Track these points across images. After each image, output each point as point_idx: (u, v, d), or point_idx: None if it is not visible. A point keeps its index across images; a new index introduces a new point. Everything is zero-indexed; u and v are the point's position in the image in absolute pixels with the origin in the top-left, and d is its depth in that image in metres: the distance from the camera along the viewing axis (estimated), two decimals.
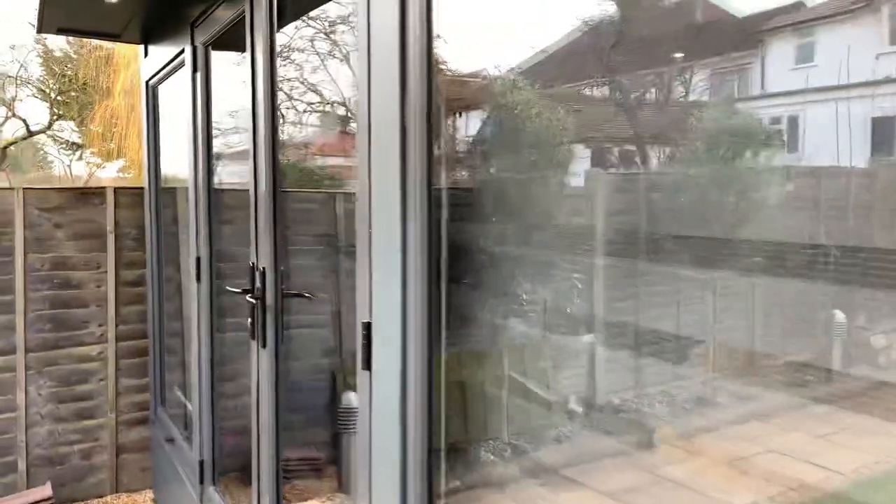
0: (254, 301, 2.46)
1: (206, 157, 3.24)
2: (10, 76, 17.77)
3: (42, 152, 22.06)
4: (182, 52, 3.53)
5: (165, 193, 4.61)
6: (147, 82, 4.44)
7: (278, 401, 2.55)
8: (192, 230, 3.37)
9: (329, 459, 4.46)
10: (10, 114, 17.99)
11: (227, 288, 2.62)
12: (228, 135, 3.45)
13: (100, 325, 4.72)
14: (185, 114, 3.47)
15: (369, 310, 1.72)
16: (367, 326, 1.71)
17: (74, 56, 17.91)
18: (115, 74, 16.05)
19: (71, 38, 17.80)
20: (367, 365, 1.71)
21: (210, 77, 3.27)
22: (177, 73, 3.81)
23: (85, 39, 17.53)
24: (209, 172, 3.25)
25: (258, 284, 2.51)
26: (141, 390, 4.86)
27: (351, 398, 4.21)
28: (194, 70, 3.30)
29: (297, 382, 4.69)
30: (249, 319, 2.56)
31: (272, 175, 2.44)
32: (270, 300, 2.45)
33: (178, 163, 5.38)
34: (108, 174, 18.73)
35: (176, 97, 4.36)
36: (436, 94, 1.54)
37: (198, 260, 3.34)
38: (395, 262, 1.58)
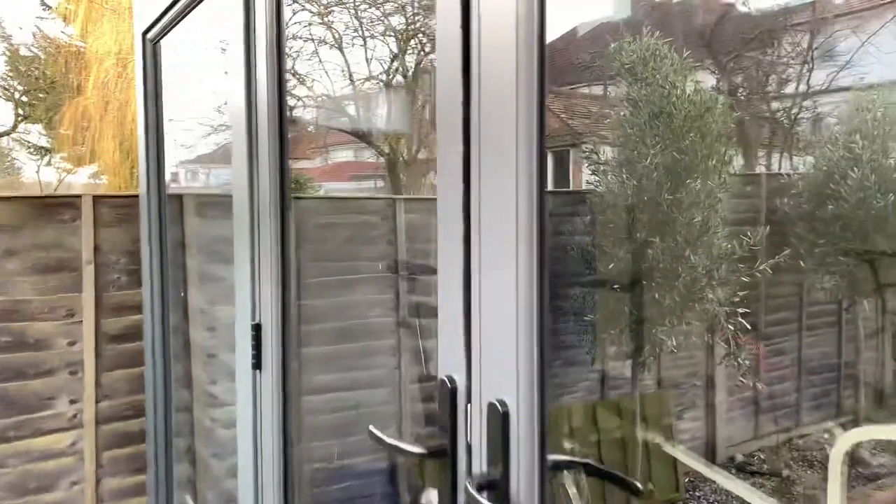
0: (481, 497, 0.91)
1: (279, 143, 1.72)
2: None
3: (9, 158, 20.22)
4: None
5: (170, 202, 3.09)
6: (144, 35, 2.90)
7: None
8: (246, 276, 1.84)
9: None
10: None
11: (390, 442, 1.13)
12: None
13: (72, 402, 3.15)
14: (226, 67, 1.96)
15: None
16: None
17: (43, 56, 16.19)
18: (86, 70, 14.39)
19: (38, 34, 16.02)
20: None
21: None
22: (199, 6, 2.29)
23: (53, 36, 15.80)
24: (282, 168, 1.72)
25: (479, 438, 1.00)
26: (134, 493, 3.29)
27: (432, 498, 2.73)
28: None
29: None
30: None
31: (536, 174, 0.94)
32: (528, 497, 0.93)
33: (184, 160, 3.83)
34: (80, 180, 16.98)
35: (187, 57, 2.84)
36: None
37: (256, 328, 1.81)
38: None
